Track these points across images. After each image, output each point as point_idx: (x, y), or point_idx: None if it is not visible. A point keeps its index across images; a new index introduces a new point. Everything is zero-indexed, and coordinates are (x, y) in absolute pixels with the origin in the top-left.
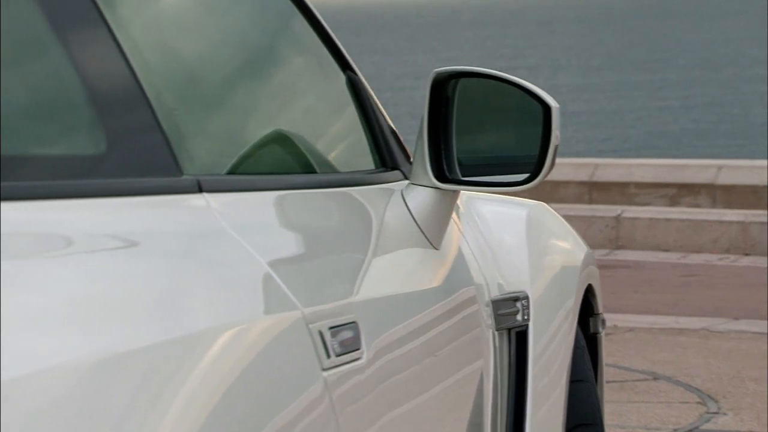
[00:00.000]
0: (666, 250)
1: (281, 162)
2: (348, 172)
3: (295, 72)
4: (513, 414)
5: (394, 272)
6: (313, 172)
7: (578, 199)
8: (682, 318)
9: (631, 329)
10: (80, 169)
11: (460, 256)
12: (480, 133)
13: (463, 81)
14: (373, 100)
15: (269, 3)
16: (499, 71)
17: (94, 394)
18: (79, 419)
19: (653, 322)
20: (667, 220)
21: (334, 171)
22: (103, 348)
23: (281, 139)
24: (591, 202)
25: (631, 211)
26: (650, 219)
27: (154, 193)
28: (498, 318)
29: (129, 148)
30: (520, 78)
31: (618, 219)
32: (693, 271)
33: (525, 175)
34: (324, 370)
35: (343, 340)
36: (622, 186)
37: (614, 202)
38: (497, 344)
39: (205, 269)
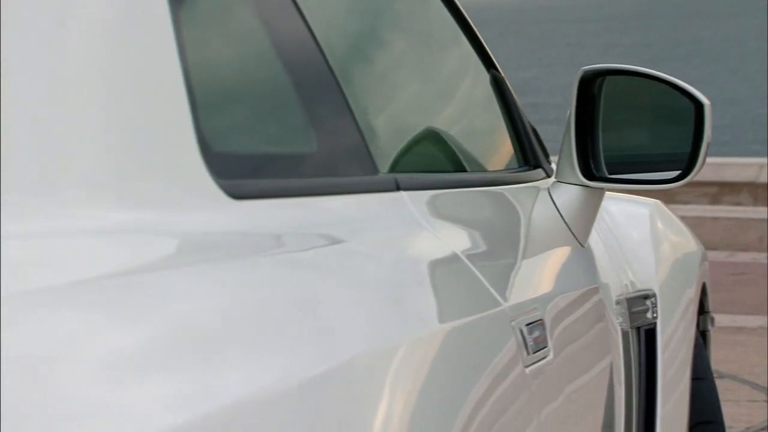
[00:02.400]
0: (713, 249)
1: (439, 160)
2: (499, 171)
3: (449, 71)
4: (644, 412)
5: (555, 270)
6: (464, 170)
7: None
8: (739, 316)
9: None
10: (297, 168)
11: (599, 254)
12: (625, 130)
13: (609, 79)
14: (515, 99)
15: (423, 3)
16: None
17: (318, 398)
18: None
19: None
20: (714, 218)
21: (484, 170)
22: (317, 352)
23: (437, 137)
24: None
25: (678, 210)
26: (696, 217)
27: (357, 191)
28: (631, 316)
29: (335, 148)
30: (664, 75)
31: None
32: (742, 270)
33: (675, 173)
34: (526, 367)
35: (536, 337)
36: None
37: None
38: (632, 342)
39: (414, 267)
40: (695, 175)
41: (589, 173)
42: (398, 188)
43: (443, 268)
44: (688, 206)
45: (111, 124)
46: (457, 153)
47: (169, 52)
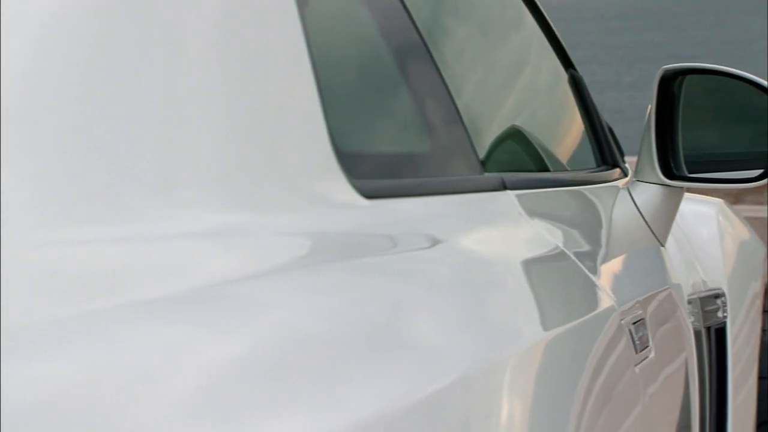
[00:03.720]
0: None
1: (529, 159)
2: (582, 170)
3: (534, 71)
4: (715, 412)
5: (644, 270)
6: (548, 169)
7: None
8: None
9: None
10: (416, 168)
11: (675, 253)
12: (705, 129)
13: (689, 78)
14: (592, 99)
15: (509, 5)
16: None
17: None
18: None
19: None
20: None
21: (566, 169)
22: (440, 358)
23: (524, 136)
24: None
25: None
26: None
27: (468, 190)
28: (704, 315)
29: (446, 147)
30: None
31: None
32: None
33: (757, 172)
34: (635, 365)
35: (641, 336)
36: None
37: None
38: (703, 341)
39: (533, 267)
40: None
41: (669, 172)
42: (505, 187)
43: (558, 267)
44: None
45: (244, 123)
46: (541, 152)
47: (299, 53)
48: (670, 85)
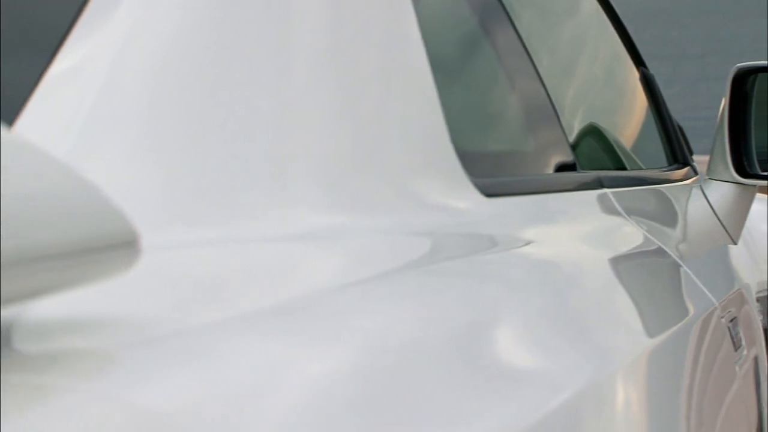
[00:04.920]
0: None
1: (608, 157)
2: (657, 169)
3: (610, 70)
4: None
5: (725, 268)
6: (625, 168)
7: None
8: None
9: None
10: (521, 166)
11: (743, 251)
12: None
13: (761, 75)
14: (663, 97)
15: (584, 2)
16: None
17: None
18: None
19: None
20: None
21: (641, 167)
22: (553, 363)
23: (602, 135)
24: None
25: None
26: None
27: (569, 189)
28: None
29: (547, 147)
30: None
31: None
32: None
33: None
34: (735, 363)
35: (736, 335)
36: None
37: None
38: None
39: (641, 268)
40: None
41: (742, 170)
42: (602, 185)
43: (663, 265)
44: None
45: (365, 123)
46: (618, 150)
47: (418, 54)
48: (743, 83)
